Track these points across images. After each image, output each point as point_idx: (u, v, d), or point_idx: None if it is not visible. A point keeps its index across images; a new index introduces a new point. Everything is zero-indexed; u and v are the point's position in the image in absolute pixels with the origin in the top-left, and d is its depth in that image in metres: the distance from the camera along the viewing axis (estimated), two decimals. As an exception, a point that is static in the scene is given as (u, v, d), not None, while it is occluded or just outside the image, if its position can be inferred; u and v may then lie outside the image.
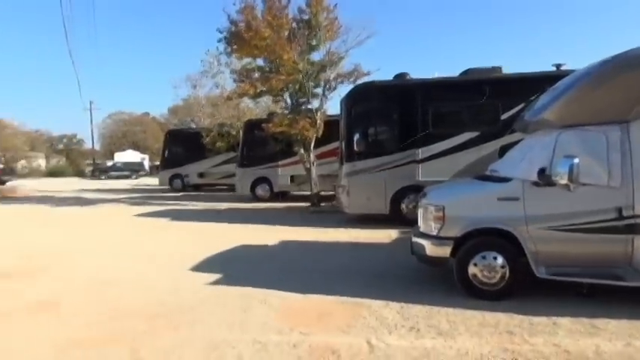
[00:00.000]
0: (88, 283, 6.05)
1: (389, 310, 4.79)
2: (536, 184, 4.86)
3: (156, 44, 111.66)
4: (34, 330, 4.36)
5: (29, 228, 11.66)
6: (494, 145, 9.81)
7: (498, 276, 4.97)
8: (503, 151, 8.62)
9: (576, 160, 4.58)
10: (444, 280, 5.56)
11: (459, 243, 5.12)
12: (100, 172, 47.21)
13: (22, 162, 59.36)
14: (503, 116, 10.00)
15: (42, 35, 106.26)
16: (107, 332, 4.27)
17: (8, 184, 30.35)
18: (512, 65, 10.83)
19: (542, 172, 4.79)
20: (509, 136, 9.23)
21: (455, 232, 5.13)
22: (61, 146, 77.45)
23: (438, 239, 5.25)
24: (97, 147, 64.24)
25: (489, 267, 4.98)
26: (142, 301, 5.19)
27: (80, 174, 50.88)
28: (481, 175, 6.14)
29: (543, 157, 4.93)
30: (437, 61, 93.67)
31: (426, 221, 5.44)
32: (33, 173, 52.09)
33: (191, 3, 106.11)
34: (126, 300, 5.26)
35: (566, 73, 6.41)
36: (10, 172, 39.58)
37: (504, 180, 5.24)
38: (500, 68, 10.75)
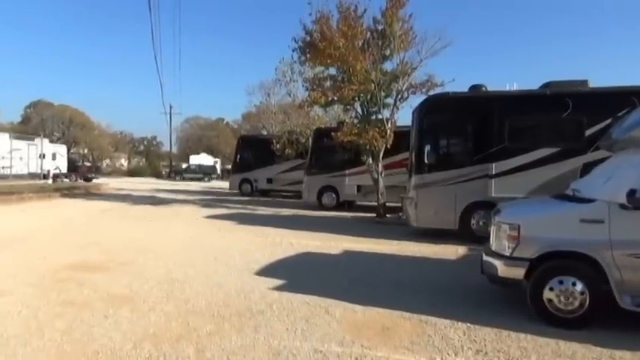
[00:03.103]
0: (160, 279, 6.32)
1: (455, 330, 4.61)
2: (623, 206, 4.46)
3: (232, 52, 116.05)
4: (111, 321, 4.60)
5: (109, 224, 12.42)
6: (575, 163, 9.23)
7: (577, 303, 4.63)
8: (586, 169, 8.09)
9: (672, 183, 4.18)
10: (516, 303, 5.26)
11: (534, 265, 4.83)
12: (175, 173, 49.65)
13: (107, 161, 63.94)
14: (588, 132, 9.40)
15: (129, 42, 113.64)
16: (176, 329, 4.42)
17: (93, 181, 32.64)
18: (598, 80, 10.13)
19: (632, 194, 4.40)
20: (593, 154, 8.67)
21: (530, 253, 4.85)
22: (141, 148, 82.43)
23: (511, 259, 4.98)
24: (174, 149, 67.64)
25: (567, 293, 4.65)
26: (209, 301, 5.34)
27: (157, 174, 53.65)
28: (560, 194, 5.79)
29: (633, 178, 4.54)
30: (514, 73, 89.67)
31: (499, 240, 5.18)
32: (115, 172, 55.85)
33: (268, 13, 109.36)
34: (194, 299, 5.43)
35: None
36: (96, 170, 42.74)
37: (587, 200, 4.89)
38: (586, 82, 10.12)
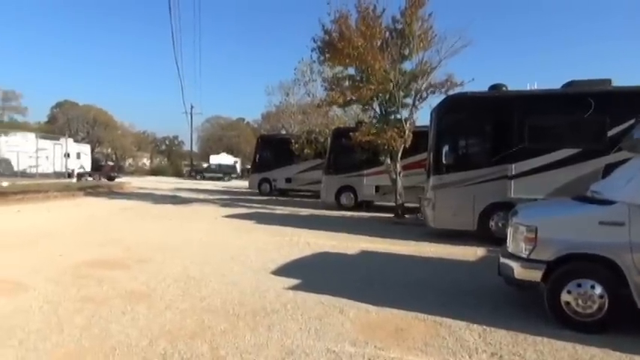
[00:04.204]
0: (177, 277, 6.41)
1: (470, 332, 4.56)
2: (645, 208, 4.38)
3: (253, 52, 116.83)
4: (128, 318, 4.69)
5: (130, 222, 12.63)
6: (597, 164, 9.02)
7: (595, 307, 4.54)
8: (608, 170, 7.92)
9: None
10: (533, 306, 5.20)
11: (551, 267, 4.75)
12: (196, 172, 50.14)
13: (130, 160, 64.97)
14: (610, 133, 9.20)
15: (151, 44, 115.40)
16: (191, 327, 4.48)
17: (116, 180, 33.20)
18: (623, 80, 9.91)
19: (653, 196, 4.31)
20: (616, 155, 8.47)
21: (547, 255, 4.77)
22: (163, 147, 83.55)
23: (528, 262, 4.91)
24: (195, 149, 68.32)
25: (585, 296, 4.57)
26: (224, 300, 5.39)
27: (178, 174, 54.25)
28: (580, 195, 5.69)
29: (655, 180, 4.44)
30: (535, 73, 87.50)
31: (516, 241, 5.11)
32: (138, 171, 56.69)
33: (288, 13, 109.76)
34: (210, 297, 5.49)
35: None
36: (119, 169, 43.51)
37: (607, 202, 4.79)
38: (609, 81, 9.90)
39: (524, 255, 4.96)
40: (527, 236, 4.91)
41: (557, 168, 9.48)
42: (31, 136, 31.66)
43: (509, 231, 5.38)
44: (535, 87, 10.80)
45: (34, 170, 28.00)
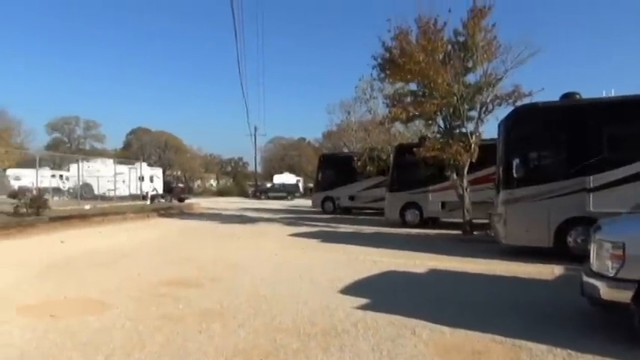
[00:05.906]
0: (249, 295, 6.51)
1: (553, 356, 4.27)
2: None
3: (313, 73, 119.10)
4: (204, 336, 4.80)
5: (201, 241, 13.08)
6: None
7: (695, 331, 4.14)
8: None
9: None
10: (621, 329, 4.78)
11: (643, 287, 4.38)
12: (260, 192, 51.27)
13: (198, 182, 67.65)
14: None
15: (216, 69, 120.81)
16: (264, 346, 4.51)
17: (186, 201, 34.61)
18: None
19: None
20: None
21: (638, 274, 4.41)
22: (229, 168, 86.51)
23: (615, 281, 4.54)
24: (259, 169, 70.06)
25: (684, 319, 4.17)
26: (295, 319, 5.40)
27: (244, 194, 55.70)
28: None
29: None
30: (611, 81, 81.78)
31: (601, 259, 4.76)
32: (205, 192, 58.86)
33: (348, 34, 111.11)
34: (281, 315, 5.52)
35: None
36: (189, 190, 45.37)
37: None
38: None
39: (610, 274, 4.60)
40: (614, 253, 4.56)
41: (643, 179, 8.84)
42: (110, 161, 33.86)
43: (593, 247, 5.03)
44: (612, 94, 10.20)
45: (112, 193, 29.76)
